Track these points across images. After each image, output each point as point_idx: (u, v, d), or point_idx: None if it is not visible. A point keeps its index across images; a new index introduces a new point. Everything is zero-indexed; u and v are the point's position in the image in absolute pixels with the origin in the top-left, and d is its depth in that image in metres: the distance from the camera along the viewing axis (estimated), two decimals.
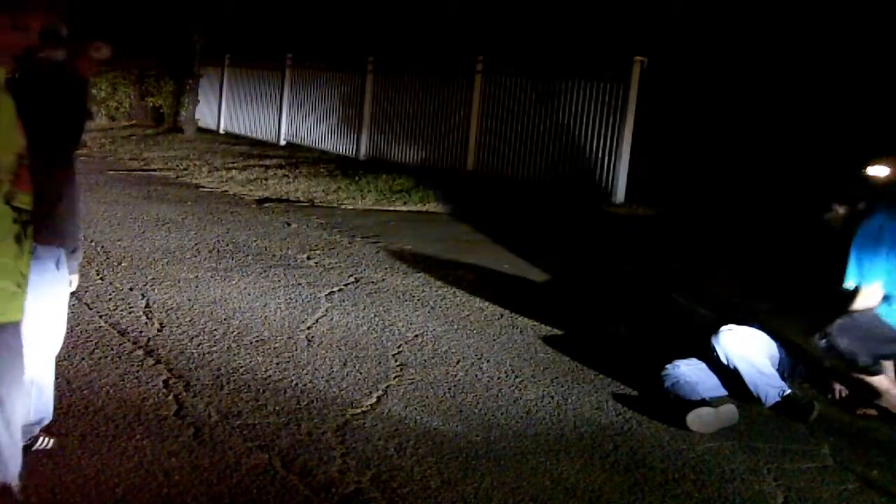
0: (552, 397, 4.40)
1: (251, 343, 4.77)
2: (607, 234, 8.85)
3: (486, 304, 5.88)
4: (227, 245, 7.01)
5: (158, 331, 4.85)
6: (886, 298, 4.34)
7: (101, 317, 4.99)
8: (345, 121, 14.35)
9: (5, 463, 2.23)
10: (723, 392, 4.31)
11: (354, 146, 14.10)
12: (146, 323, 4.97)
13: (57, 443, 3.33)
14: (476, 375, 4.61)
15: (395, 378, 4.45)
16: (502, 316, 5.67)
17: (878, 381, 4.42)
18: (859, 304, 4.34)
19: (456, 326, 5.38)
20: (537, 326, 5.49)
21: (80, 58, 3.19)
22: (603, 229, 9.13)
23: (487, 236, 8.19)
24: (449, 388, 4.39)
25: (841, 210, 4.47)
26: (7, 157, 2.11)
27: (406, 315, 5.50)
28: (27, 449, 3.24)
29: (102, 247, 6.59)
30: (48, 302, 2.95)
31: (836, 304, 4.38)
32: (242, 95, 16.75)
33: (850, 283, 4.34)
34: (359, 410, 4.00)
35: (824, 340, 4.31)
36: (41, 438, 3.31)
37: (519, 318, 5.62)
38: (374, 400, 4.15)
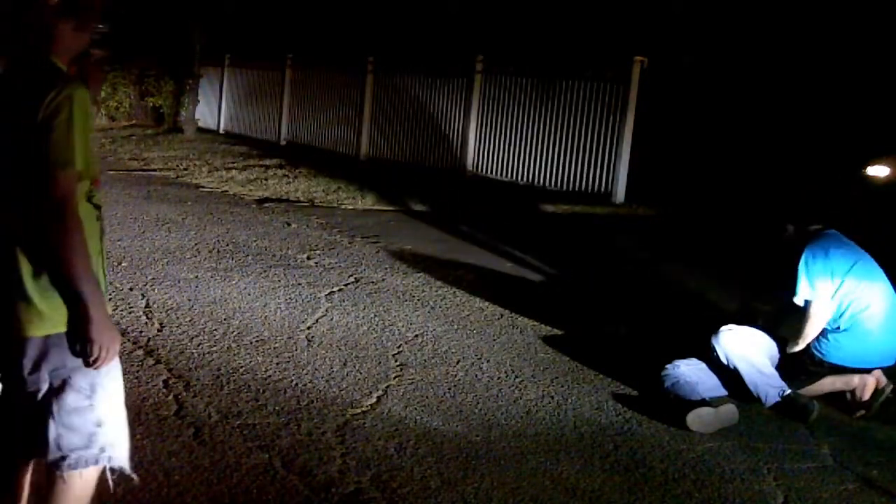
0: (552, 397, 4.40)
1: (251, 343, 4.77)
2: (607, 235, 8.85)
3: (486, 304, 5.88)
4: (227, 245, 7.01)
5: (158, 331, 4.85)
6: (845, 330, 4.36)
7: None
8: (345, 121, 14.35)
9: (120, 446, 2.32)
10: (723, 392, 4.31)
11: (354, 146, 14.10)
12: (146, 323, 4.97)
13: None
14: (476, 375, 4.61)
15: (395, 378, 4.45)
16: (502, 316, 5.67)
17: (829, 382, 4.46)
18: (811, 319, 4.37)
19: (456, 326, 5.38)
20: (537, 326, 5.49)
21: (89, 71, 3.18)
22: (603, 229, 9.13)
23: (487, 237, 8.19)
24: (449, 388, 4.39)
25: (791, 229, 4.52)
26: (89, 154, 2.15)
27: (406, 315, 5.50)
28: None
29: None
30: None
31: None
32: (242, 95, 16.75)
33: (801, 298, 4.37)
34: (359, 410, 4.00)
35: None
36: None
37: (519, 318, 5.62)
38: (374, 400, 4.15)
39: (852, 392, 4.47)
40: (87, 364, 2.18)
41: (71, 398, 2.21)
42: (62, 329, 2.16)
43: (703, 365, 4.40)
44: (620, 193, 10.41)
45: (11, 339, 2.18)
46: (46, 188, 2.05)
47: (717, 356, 4.38)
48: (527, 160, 11.52)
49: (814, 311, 4.36)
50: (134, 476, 2.39)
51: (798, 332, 4.42)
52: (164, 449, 3.45)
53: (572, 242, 8.45)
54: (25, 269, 2.13)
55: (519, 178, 11.57)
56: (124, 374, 4.14)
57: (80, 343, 2.15)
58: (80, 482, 2.29)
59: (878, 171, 7.98)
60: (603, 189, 10.57)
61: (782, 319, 4.68)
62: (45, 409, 2.21)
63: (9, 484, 2.39)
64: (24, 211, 2.09)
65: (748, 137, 10.10)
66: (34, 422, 2.22)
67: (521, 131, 11.58)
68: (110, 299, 5.28)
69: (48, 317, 2.15)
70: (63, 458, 2.23)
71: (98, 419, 2.25)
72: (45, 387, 2.20)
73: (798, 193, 4.81)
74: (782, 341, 4.52)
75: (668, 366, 4.41)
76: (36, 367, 2.18)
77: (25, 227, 2.10)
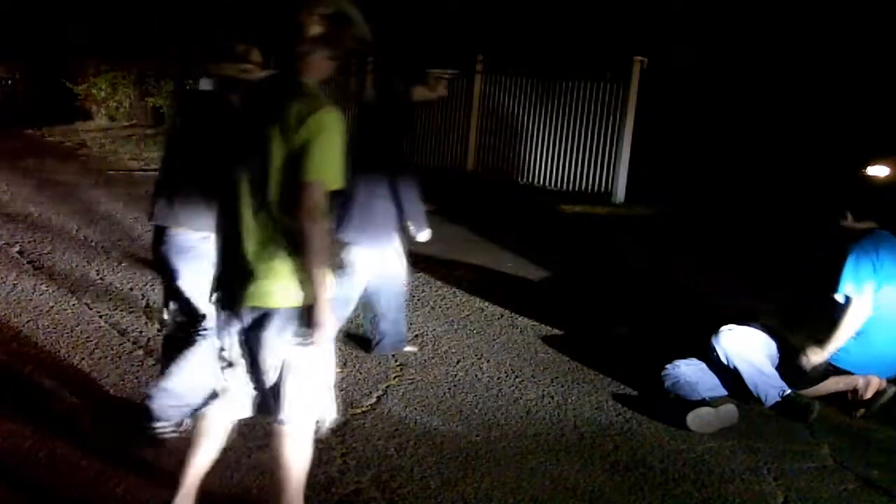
0: (552, 397, 4.40)
1: None
2: (607, 234, 8.85)
3: (486, 304, 5.87)
4: None
5: (158, 331, 4.84)
6: (860, 333, 4.34)
7: (101, 317, 4.99)
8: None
9: (311, 415, 2.88)
10: (723, 392, 4.31)
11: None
12: (146, 323, 4.96)
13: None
14: (476, 375, 4.61)
15: (395, 378, 4.45)
16: (502, 316, 5.66)
17: (832, 383, 4.46)
18: (850, 317, 4.32)
19: (456, 326, 5.38)
20: (537, 326, 5.49)
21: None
22: (603, 229, 9.13)
23: (487, 237, 8.18)
24: (449, 388, 4.39)
25: (850, 218, 4.46)
26: (339, 169, 2.57)
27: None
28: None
29: (102, 247, 6.58)
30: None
31: (833, 306, 4.39)
32: None
33: (843, 293, 4.34)
34: (359, 410, 4.00)
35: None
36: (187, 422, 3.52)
37: (519, 318, 5.62)
38: (374, 400, 4.15)
39: (854, 391, 4.46)
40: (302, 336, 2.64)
41: (269, 362, 2.68)
42: (275, 305, 2.60)
43: (703, 365, 4.40)
44: (620, 193, 10.41)
45: (236, 306, 2.66)
46: (304, 194, 2.49)
47: (717, 356, 4.37)
48: (527, 160, 11.52)
49: (854, 310, 4.29)
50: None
51: (833, 329, 4.33)
52: (163, 449, 3.45)
53: (572, 242, 8.45)
54: (254, 252, 2.58)
55: (519, 178, 11.57)
56: (124, 374, 4.17)
57: (306, 319, 2.60)
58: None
59: (878, 170, 7.97)
60: (603, 189, 10.57)
61: (786, 318, 4.67)
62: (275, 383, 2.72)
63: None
64: (279, 209, 2.54)
65: (748, 137, 10.10)
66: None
67: (521, 131, 11.57)
68: (110, 299, 5.31)
69: (266, 293, 2.59)
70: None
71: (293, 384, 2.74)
72: (249, 348, 2.69)
73: (858, 185, 4.74)
74: (783, 342, 4.51)
75: (668, 366, 4.41)
76: (247, 331, 2.68)
77: (272, 220, 2.55)
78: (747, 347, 4.38)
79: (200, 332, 3.46)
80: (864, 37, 9.42)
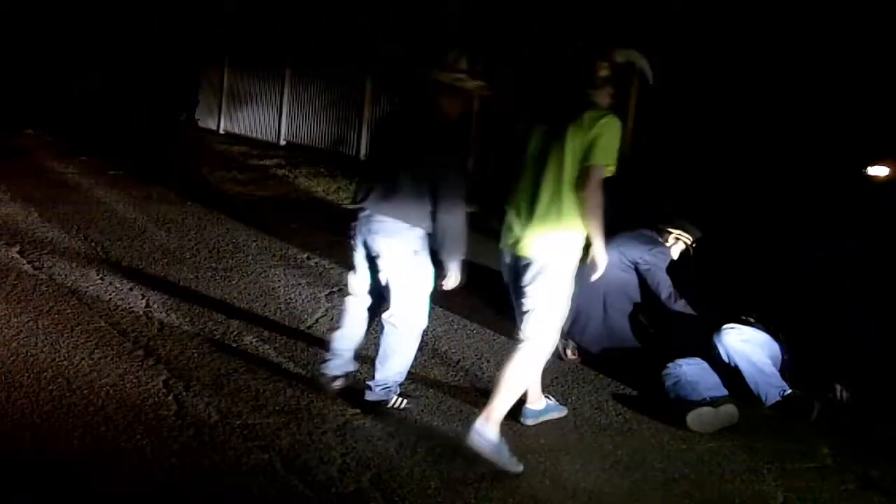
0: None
1: (251, 343, 4.77)
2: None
3: (486, 304, 5.87)
4: (227, 245, 7.00)
5: (158, 331, 4.84)
6: None
7: (101, 317, 4.98)
8: (345, 121, 14.33)
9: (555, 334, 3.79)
10: (724, 391, 4.31)
11: (354, 146, 14.08)
12: (146, 323, 4.96)
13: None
14: (476, 375, 4.61)
15: None
16: (502, 316, 5.65)
17: None
18: None
19: (456, 326, 5.38)
20: None
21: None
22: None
23: (488, 236, 8.17)
24: (449, 388, 4.39)
25: None
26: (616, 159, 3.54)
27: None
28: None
29: (102, 247, 6.58)
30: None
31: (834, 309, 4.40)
32: (242, 95, 16.73)
33: None
34: (359, 410, 4.00)
35: None
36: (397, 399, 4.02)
37: None
38: None
39: None
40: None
41: (544, 303, 3.61)
42: (542, 256, 3.58)
43: (705, 364, 4.41)
44: None
45: (521, 258, 3.65)
46: (590, 173, 3.47)
47: (719, 354, 4.38)
48: None
49: None
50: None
51: None
52: (164, 449, 3.45)
53: None
54: (540, 215, 3.57)
55: None
56: (124, 374, 4.17)
57: (588, 264, 3.57)
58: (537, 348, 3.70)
59: (878, 171, 7.96)
60: None
61: (786, 318, 4.67)
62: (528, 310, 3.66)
63: None
64: (571, 184, 3.50)
65: (748, 137, 10.10)
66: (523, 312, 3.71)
67: None
68: (110, 299, 5.31)
69: (539, 246, 3.58)
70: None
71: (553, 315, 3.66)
72: (531, 293, 3.62)
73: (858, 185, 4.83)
74: (784, 341, 4.51)
75: (669, 364, 4.42)
76: (532, 279, 3.60)
77: (562, 192, 3.51)
78: (749, 347, 4.39)
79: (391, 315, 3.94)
80: (864, 37, 9.42)
